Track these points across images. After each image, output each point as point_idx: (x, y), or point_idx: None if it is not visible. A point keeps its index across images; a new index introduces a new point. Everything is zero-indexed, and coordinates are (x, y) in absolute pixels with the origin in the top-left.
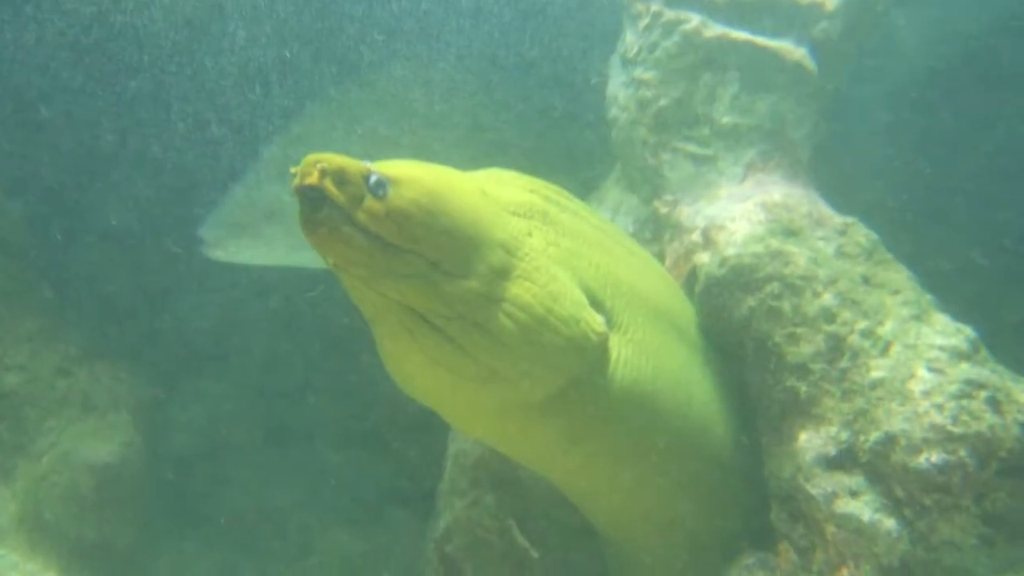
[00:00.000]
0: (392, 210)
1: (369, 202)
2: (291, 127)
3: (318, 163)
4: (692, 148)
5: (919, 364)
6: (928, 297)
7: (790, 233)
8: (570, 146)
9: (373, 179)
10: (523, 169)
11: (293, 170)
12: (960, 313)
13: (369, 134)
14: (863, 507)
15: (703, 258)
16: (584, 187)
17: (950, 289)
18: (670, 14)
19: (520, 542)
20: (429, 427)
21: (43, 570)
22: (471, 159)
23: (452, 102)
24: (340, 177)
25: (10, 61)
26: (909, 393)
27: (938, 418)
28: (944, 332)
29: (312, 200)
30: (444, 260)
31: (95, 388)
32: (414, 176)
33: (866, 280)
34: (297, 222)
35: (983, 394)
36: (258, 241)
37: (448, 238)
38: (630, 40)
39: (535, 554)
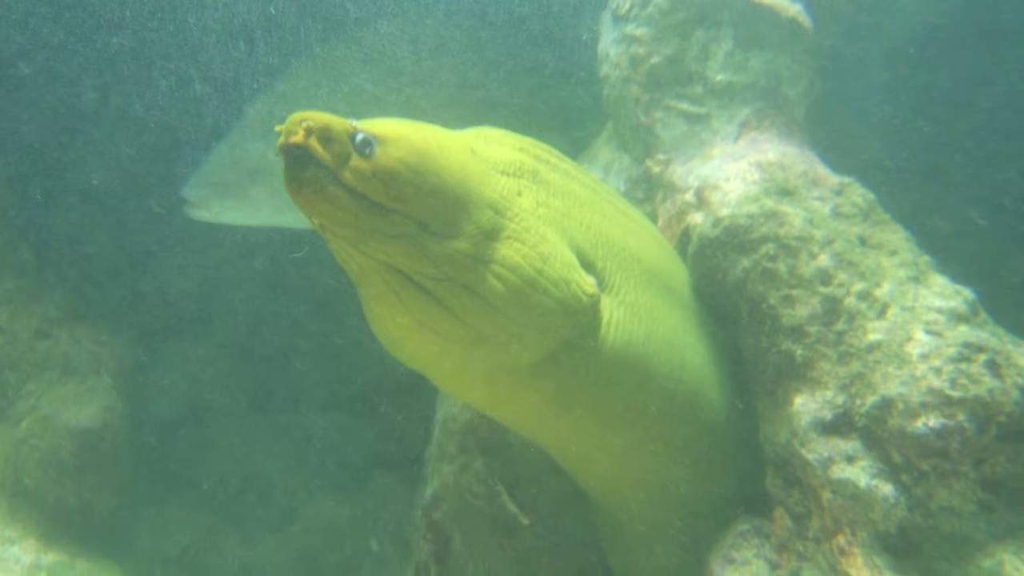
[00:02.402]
0: (379, 169)
1: (355, 161)
2: (276, 85)
3: (303, 121)
4: (685, 106)
5: (917, 327)
6: (926, 258)
7: (785, 193)
8: (561, 104)
9: (360, 137)
10: (513, 128)
11: (278, 128)
12: (959, 274)
13: (355, 92)
14: (860, 473)
15: (696, 219)
16: (575, 146)
17: (949, 250)
18: None
19: (510, 508)
20: (417, 391)
21: (23, 536)
22: (459, 118)
23: (440, 59)
24: (326, 135)
25: None
26: (906, 356)
27: (936, 382)
28: (942, 294)
29: (297, 159)
30: (432, 220)
31: (76, 351)
32: (401, 134)
33: (863, 241)
34: (282, 182)
35: (982, 357)
36: (243, 201)
37: (436, 198)
38: None
39: (525, 520)
